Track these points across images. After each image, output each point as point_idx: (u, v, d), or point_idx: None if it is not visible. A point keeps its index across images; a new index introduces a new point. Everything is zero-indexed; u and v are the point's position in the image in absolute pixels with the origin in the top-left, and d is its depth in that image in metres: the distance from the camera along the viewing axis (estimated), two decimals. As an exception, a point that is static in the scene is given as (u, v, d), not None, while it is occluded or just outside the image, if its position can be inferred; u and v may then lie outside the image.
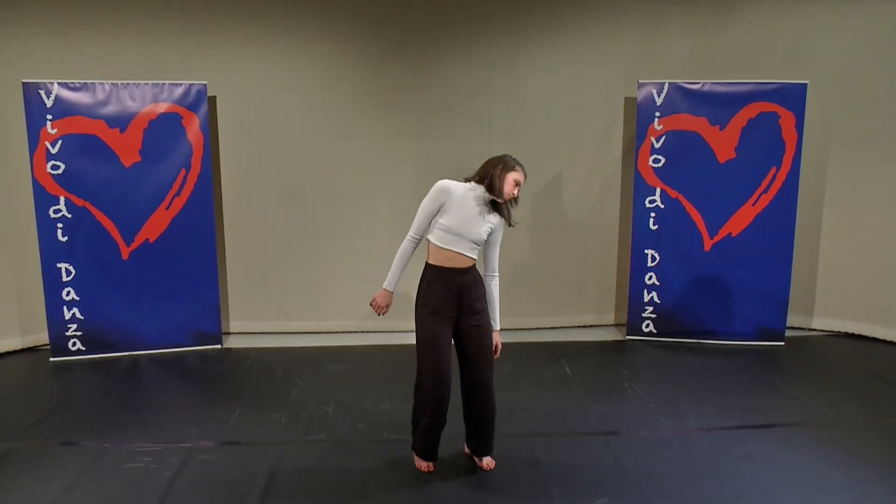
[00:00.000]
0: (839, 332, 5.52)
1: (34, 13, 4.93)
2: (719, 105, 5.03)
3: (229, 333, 5.53)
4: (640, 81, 5.12)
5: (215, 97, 5.19)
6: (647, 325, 5.36)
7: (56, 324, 4.90)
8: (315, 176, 5.42)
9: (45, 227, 4.78)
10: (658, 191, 5.18)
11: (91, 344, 4.98)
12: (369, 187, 5.46)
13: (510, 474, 3.21)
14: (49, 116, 4.70)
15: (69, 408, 4.06)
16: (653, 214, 5.22)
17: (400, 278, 3.14)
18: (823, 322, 5.58)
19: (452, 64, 5.37)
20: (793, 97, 4.98)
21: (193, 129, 4.94)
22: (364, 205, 5.49)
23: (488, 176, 3.02)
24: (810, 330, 5.60)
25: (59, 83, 4.71)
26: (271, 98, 5.29)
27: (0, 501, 3.00)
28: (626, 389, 4.32)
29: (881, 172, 5.22)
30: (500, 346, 3.20)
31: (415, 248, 3.10)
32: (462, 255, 3.02)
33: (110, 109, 4.80)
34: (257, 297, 5.54)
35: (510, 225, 3.13)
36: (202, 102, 4.94)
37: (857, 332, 5.45)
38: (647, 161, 5.16)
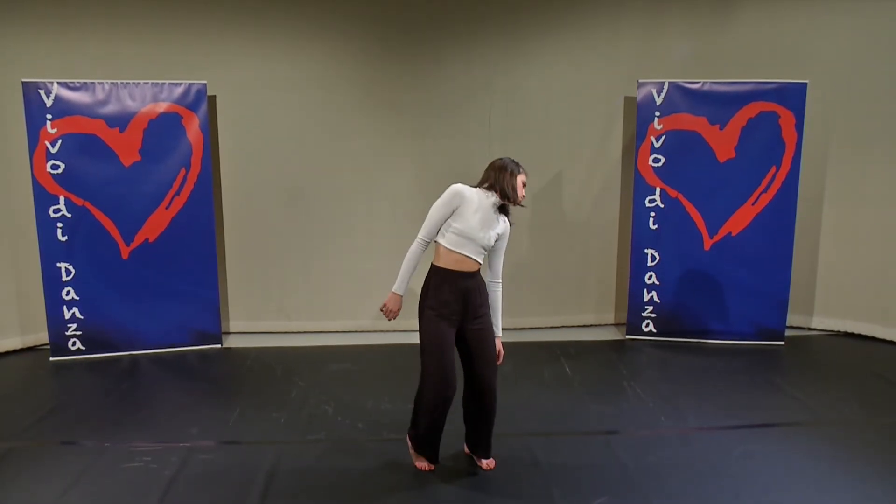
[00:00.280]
0: (839, 331, 5.52)
1: (34, 13, 4.93)
2: (719, 104, 5.03)
3: (229, 333, 5.53)
4: (640, 81, 5.12)
5: (215, 97, 5.19)
6: (647, 325, 5.37)
7: (56, 323, 4.91)
8: (315, 176, 5.42)
9: (45, 226, 4.78)
10: (658, 190, 5.18)
11: (91, 343, 4.97)
12: (369, 187, 5.46)
13: (510, 474, 3.21)
14: (49, 116, 4.70)
15: (69, 407, 4.06)
16: (653, 214, 5.22)
17: (409, 281, 3.12)
18: (823, 321, 5.58)
19: (452, 64, 5.37)
20: (792, 97, 4.98)
21: (193, 128, 4.94)
22: (364, 205, 5.49)
23: (500, 183, 3.04)
24: (810, 329, 5.60)
25: (58, 83, 4.71)
26: (271, 98, 5.29)
27: (0, 501, 3.00)
28: (625, 389, 4.32)
29: (881, 172, 5.22)
30: (502, 352, 3.22)
31: (424, 251, 3.09)
32: (471, 258, 3.03)
33: (110, 109, 4.80)
34: (257, 297, 5.54)
35: (511, 224, 3.15)
36: (202, 102, 4.94)
37: (856, 332, 5.45)
38: (647, 160, 5.16)
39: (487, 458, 3.26)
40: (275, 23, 5.23)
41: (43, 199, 4.76)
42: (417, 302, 3.11)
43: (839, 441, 3.54)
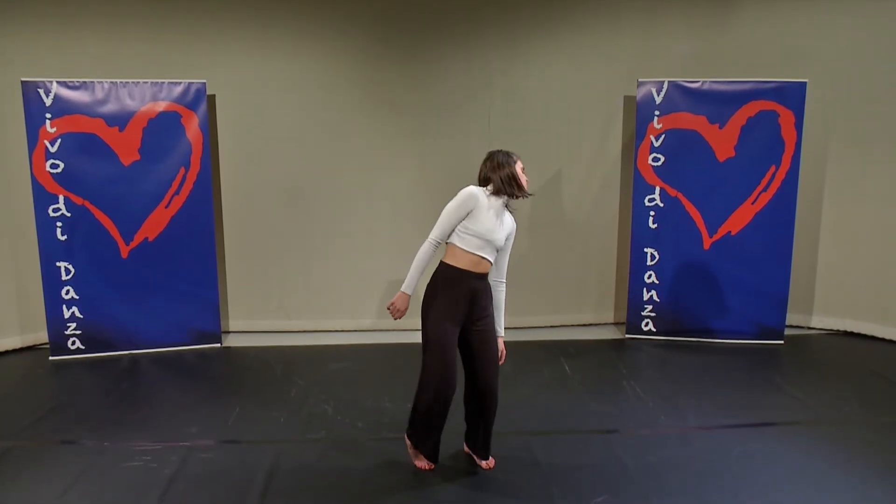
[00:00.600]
0: (838, 330, 5.53)
1: (33, 12, 4.93)
2: (719, 103, 5.03)
3: (229, 332, 5.53)
4: (640, 80, 5.12)
5: (214, 96, 5.18)
6: (647, 324, 5.37)
7: (55, 322, 4.90)
8: (315, 175, 5.42)
9: (45, 225, 4.78)
10: (657, 189, 5.18)
11: (90, 343, 4.97)
12: (369, 187, 5.46)
13: (510, 473, 3.21)
14: (48, 115, 4.69)
15: (69, 406, 4.06)
16: (652, 213, 5.22)
17: (419, 282, 3.11)
18: (823, 320, 5.59)
19: (452, 63, 5.36)
20: (792, 96, 4.98)
21: (192, 127, 4.93)
22: (364, 204, 5.49)
23: (505, 180, 3.04)
24: (809, 328, 5.60)
25: (58, 82, 4.71)
26: (271, 97, 5.29)
27: (0, 500, 3.00)
28: (625, 388, 4.33)
29: (881, 171, 5.22)
30: (504, 352, 3.22)
31: (435, 251, 3.08)
32: (486, 259, 3.04)
33: (109, 108, 4.79)
34: (257, 296, 5.54)
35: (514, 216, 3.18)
36: (201, 101, 4.93)
37: (856, 331, 5.45)
38: (647, 160, 5.16)
39: (486, 458, 3.26)
40: (274, 22, 5.23)
41: (42, 199, 4.75)
42: (421, 300, 3.10)
43: (839, 440, 3.54)
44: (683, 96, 5.06)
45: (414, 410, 3.19)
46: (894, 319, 5.28)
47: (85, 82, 4.76)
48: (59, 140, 4.72)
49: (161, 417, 3.88)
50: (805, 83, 4.98)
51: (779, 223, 5.12)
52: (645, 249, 5.27)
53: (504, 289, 3.22)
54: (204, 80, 4.95)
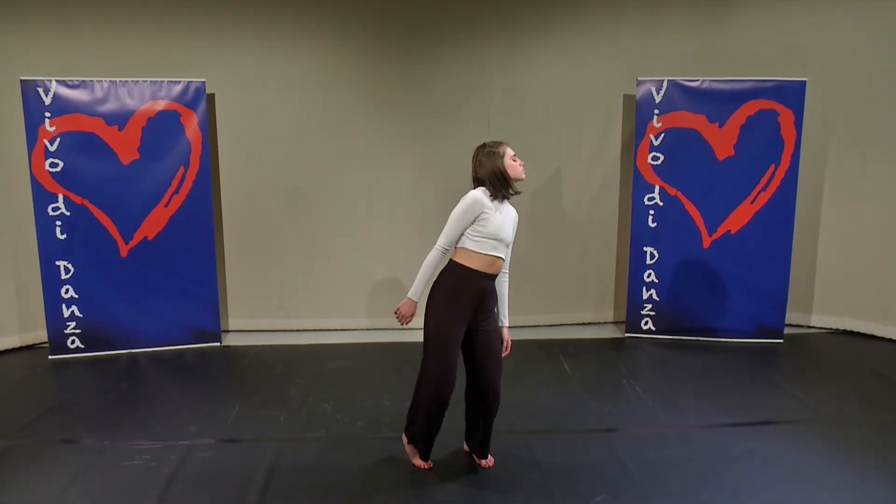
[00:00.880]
0: (838, 329, 5.53)
1: (33, 11, 4.92)
2: (718, 102, 5.03)
3: (228, 331, 5.53)
4: (639, 79, 5.12)
5: (213, 95, 5.18)
6: (646, 323, 5.37)
7: (55, 321, 4.90)
8: (315, 175, 5.41)
9: (44, 224, 4.77)
10: (657, 188, 5.18)
11: (90, 342, 4.97)
12: (369, 186, 5.46)
13: (509, 472, 3.21)
14: (47, 114, 4.69)
15: (68, 405, 4.06)
16: (652, 212, 5.22)
17: (425, 289, 3.09)
18: (822, 319, 5.59)
19: (452, 63, 5.36)
20: (792, 95, 4.98)
21: (192, 126, 4.93)
22: (364, 204, 5.48)
23: (495, 182, 3.01)
24: (809, 327, 5.60)
25: (57, 81, 4.70)
26: (270, 96, 5.29)
27: (0, 499, 3.00)
28: (624, 387, 4.33)
29: (880, 170, 5.22)
30: (509, 342, 3.22)
31: (443, 259, 3.06)
32: (500, 258, 3.04)
33: (109, 107, 4.79)
34: (256, 295, 5.54)
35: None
36: (200, 100, 4.93)
37: (855, 330, 5.45)
38: (646, 158, 5.15)
39: (486, 457, 3.26)
40: (274, 21, 5.22)
41: (42, 198, 4.75)
42: (426, 299, 3.08)
43: (838, 439, 3.54)
44: (683, 95, 5.06)
45: (412, 408, 3.19)
46: (894, 318, 5.28)
47: (84, 81, 4.75)
48: (58, 139, 4.72)
49: (160, 416, 3.88)
50: (805, 82, 4.98)
51: (778, 222, 5.12)
52: (644, 248, 5.27)
53: (507, 280, 3.22)
54: (203, 79, 4.95)
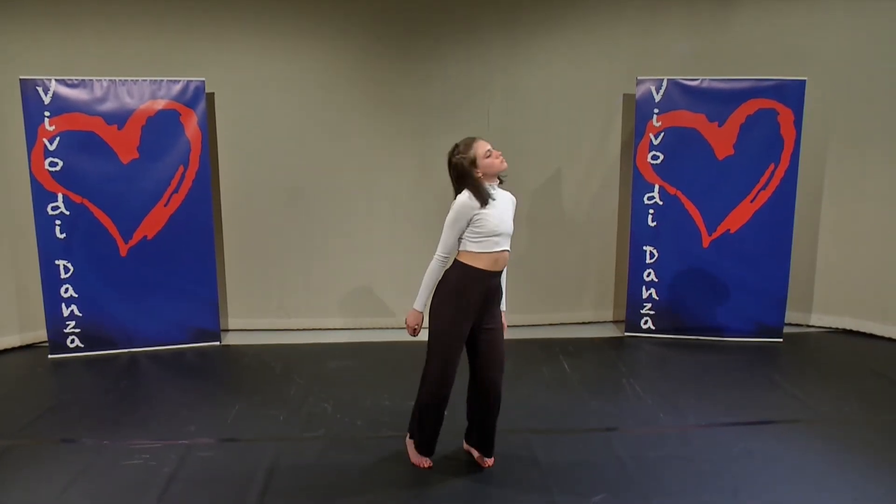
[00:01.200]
0: (838, 328, 5.53)
1: (32, 10, 4.91)
2: (718, 102, 5.03)
3: (228, 330, 5.53)
4: (639, 78, 5.11)
5: (213, 94, 5.18)
6: (646, 322, 5.37)
7: (54, 321, 4.90)
8: (315, 175, 5.41)
9: (44, 224, 4.77)
10: (657, 187, 5.18)
11: (89, 341, 4.97)
12: (369, 186, 5.45)
13: (509, 471, 3.21)
14: (47, 113, 4.69)
15: (68, 405, 4.06)
16: (651, 211, 5.22)
17: (429, 298, 3.08)
18: (822, 318, 5.59)
19: (452, 62, 5.35)
20: (791, 94, 4.98)
21: (191, 125, 4.93)
22: (364, 204, 5.48)
23: (474, 189, 2.93)
24: (809, 326, 5.60)
25: (56, 80, 4.70)
26: (270, 96, 5.28)
27: (0, 499, 3.00)
28: (624, 386, 4.33)
29: (880, 169, 5.22)
30: (505, 325, 3.21)
31: (444, 267, 3.04)
32: (506, 251, 3.03)
33: (108, 106, 4.79)
34: (256, 295, 5.54)
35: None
36: (200, 99, 4.93)
37: (855, 329, 5.45)
38: (646, 158, 5.15)
39: (490, 456, 3.26)
40: (274, 20, 5.22)
41: (41, 197, 4.75)
42: (432, 297, 3.06)
43: (838, 438, 3.54)
44: (683, 94, 5.06)
45: (416, 408, 3.20)
46: (894, 318, 5.28)
47: (84, 80, 4.75)
48: (57, 138, 4.72)
49: (160, 416, 3.88)
50: (804, 81, 4.98)
51: (778, 221, 5.12)
52: (644, 247, 5.27)
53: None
54: (203, 79, 4.95)
